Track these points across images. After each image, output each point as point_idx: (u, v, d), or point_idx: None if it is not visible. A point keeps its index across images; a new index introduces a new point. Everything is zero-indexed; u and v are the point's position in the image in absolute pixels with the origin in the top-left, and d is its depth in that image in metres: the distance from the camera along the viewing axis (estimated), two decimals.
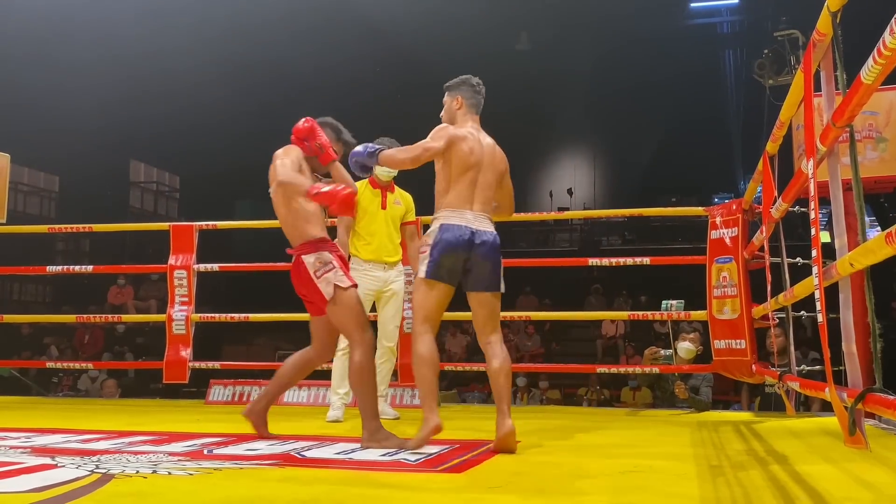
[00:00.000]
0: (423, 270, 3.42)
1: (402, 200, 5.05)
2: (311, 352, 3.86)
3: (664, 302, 5.70)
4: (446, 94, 3.71)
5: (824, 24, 2.34)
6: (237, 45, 14.06)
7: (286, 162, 3.60)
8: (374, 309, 5.00)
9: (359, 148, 3.58)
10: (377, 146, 3.60)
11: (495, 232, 3.55)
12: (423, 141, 3.53)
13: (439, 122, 3.66)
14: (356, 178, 3.80)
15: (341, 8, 14.08)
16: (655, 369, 5.60)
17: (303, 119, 3.72)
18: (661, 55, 17.10)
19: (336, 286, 3.56)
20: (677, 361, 5.59)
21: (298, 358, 3.87)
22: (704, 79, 18.11)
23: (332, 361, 4.83)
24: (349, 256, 4.80)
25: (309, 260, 3.62)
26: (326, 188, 3.50)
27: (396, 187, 5.07)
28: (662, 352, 5.70)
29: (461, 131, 3.54)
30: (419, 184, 4.27)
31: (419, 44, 15.48)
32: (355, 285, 3.67)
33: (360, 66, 15.66)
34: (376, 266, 4.91)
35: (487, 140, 3.65)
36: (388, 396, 5.11)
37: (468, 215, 3.47)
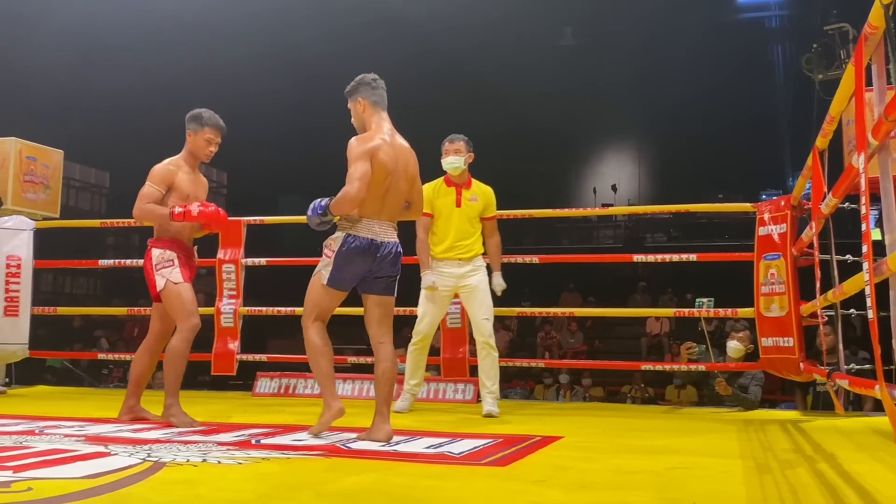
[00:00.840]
0: (324, 276, 3.51)
1: (479, 196, 4.96)
2: (150, 339, 4.26)
3: (697, 300, 5.66)
4: (348, 101, 3.67)
5: (876, 17, 2.31)
6: (280, 42, 14.19)
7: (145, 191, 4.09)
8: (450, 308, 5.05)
9: (308, 213, 3.58)
10: (322, 201, 3.54)
11: (397, 241, 3.61)
12: (352, 170, 3.46)
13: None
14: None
15: (381, 7, 14.13)
16: (702, 367, 5.55)
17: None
18: (708, 50, 16.91)
19: (168, 281, 4.02)
20: (726, 360, 5.53)
21: (144, 349, 4.28)
22: (753, 74, 17.87)
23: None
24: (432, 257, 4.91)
25: (154, 253, 4.08)
26: (179, 209, 3.98)
27: (475, 182, 5.00)
28: (697, 347, 5.65)
29: (375, 142, 3.50)
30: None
31: (461, 42, 15.49)
32: (189, 281, 4.08)
33: (404, 66, 15.73)
34: (450, 263, 4.87)
35: (400, 142, 3.63)
36: (495, 395, 4.85)
37: (375, 227, 3.51)
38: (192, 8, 13.77)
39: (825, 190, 3.62)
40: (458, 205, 4.89)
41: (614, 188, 18.73)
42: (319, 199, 3.54)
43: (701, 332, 5.54)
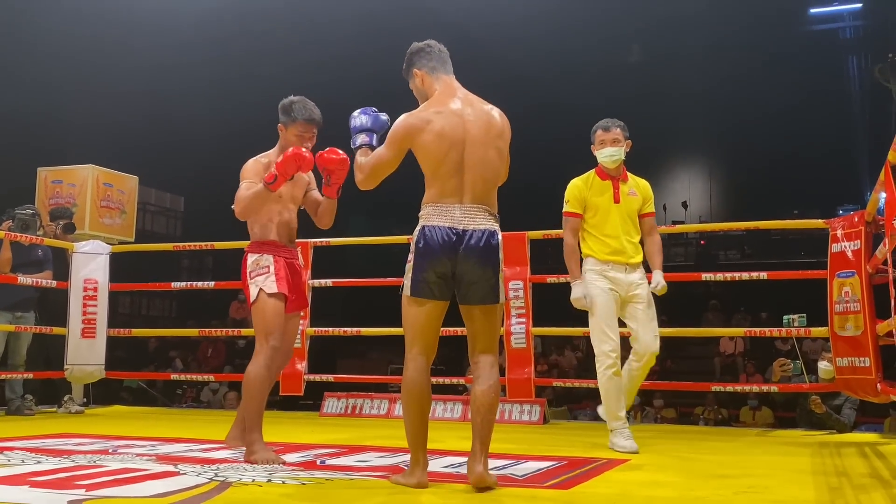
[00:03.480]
0: (406, 285, 2.85)
1: (637, 190, 4.29)
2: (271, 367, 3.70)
3: (785, 317, 5.51)
4: (409, 82, 3.12)
5: None
6: (344, 58, 14.39)
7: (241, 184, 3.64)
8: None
9: (360, 122, 3.13)
10: (363, 140, 3.09)
11: (495, 228, 2.88)
12: (376, 153, 2.99)
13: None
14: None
15: (454, 25, 14.23)
16: (774, 388, 5.42)
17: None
18: (780, 63, 16.60)
19: (261, 291, 3.57)
20: (817, 380, 5.37)
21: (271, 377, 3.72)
22: (827, 86, 17.45)
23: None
24: (582, 258, 4.26)
25: (249, 260, 3.68)
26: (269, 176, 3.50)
27: (630, 175, 4.33)
28: (791, 364, 5.51)
29: (426, 113, 2.90)
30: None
31: (528, 58, 15.51)
32: (285, 294, 3.60)
33: (471, 85, 15.82)
34: (617, 267, 4.17)
35: (477, 106, 2.96)
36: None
37: (455, 212, 2.82)
38: (264, 41, 14.11)
39: None
40: (617, 200, 4.22)
41: (685, 205, 18.46)
42: (365, 137, 3.10)
43: (791, 349, 5.41)
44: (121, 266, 6.95)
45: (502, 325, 5.47)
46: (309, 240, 6.46)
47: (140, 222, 13.13)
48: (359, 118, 3.16)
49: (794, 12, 17.51)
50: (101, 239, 6.71)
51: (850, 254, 4.97)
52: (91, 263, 6.46)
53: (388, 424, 5.55)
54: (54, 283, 6.25)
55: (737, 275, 5.83)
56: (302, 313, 3.91)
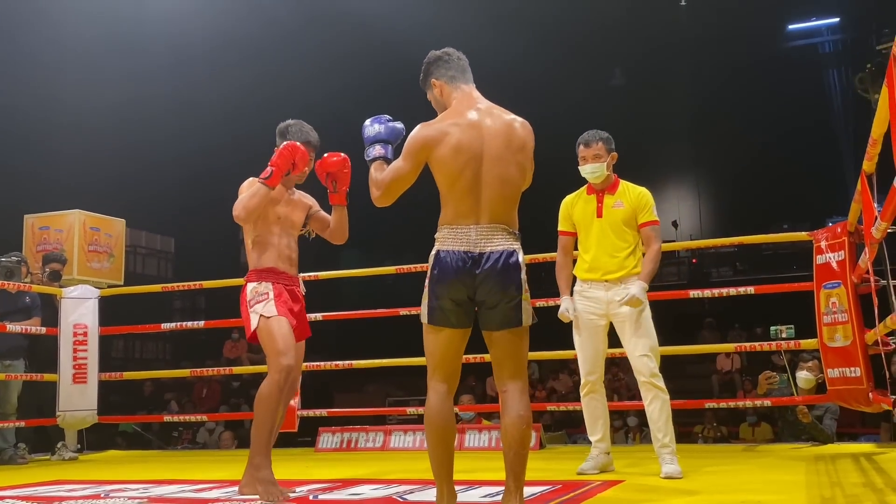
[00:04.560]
0: (423, 312, 2.71)
1: (625, 201, 4.10)
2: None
3: (772, 328, 5.52)
4: (427, 94, 2.96)
5: None
6: (338, 97, 14.47)
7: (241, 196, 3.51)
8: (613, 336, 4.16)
9: (374, 131, 2.91)
10: (378, 153, 2.87)
11: (514, 247, 2.69)
12: (392, 166, 2.79)
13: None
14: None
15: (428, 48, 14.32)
16: (767, 402, 5.42)
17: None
18: (762, 80, 16.75)
19: (261, 317, 3.46)
20: (798, 392, 5.39)
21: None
22: (811, 100, 17.60)
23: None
24: (575, 280, 4.16)
25: (248, 289, 3.55)
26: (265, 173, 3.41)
27: (623, 184, 4.17)
28: (778, 376, 5.52)
29: (443, 125, 2.73)
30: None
31: (511, 82, 15.59)
32: (288, 315, 3.49)
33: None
34: (596, 286, 4.05)
35: (498, 118, 2.78)
36: (671, 449, 3.96)
37: (471, 234, 2.66)
38: (259, 76, 14.18)
39: (875, 214, 3.54)
40: (599, 214, 4.08)
41: (675, 224, 18.51)
42: (380, 146, 2.88)
43: (787, 362, 5.43)
44: (113, 310, 6.93)
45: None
46: (300, 273, 6.45)
47: (130, 265, 13.19)
48: (371, 127, 2.94)
49: (773, 29, 17.69)
50: (89, 283, 6.71)
51: (834, 264, 5.00)
52: (80, 308, 6.45)
53: (384, 457, 5.53)
54: (43, 330, 6.23)
55: (724, 290, 5.85)
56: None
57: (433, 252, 2.70)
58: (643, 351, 3.99)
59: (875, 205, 3.65)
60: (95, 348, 6.47)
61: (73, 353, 6.37)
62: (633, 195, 4.13)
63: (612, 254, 4.05)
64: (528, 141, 2.80)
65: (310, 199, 3.79)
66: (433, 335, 2.69)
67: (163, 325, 7.51)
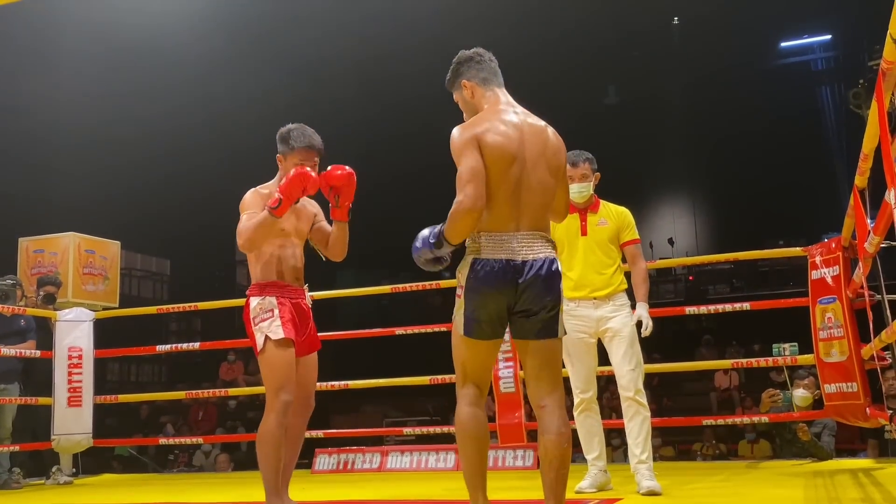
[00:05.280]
0: (458, 323, 2.61)
1: (608, 219, 4.15)
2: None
3: (775, 346, 5.52)
4: (454, 95, 2.85)
5: (890, 51, 2.28)
6: (337, 118, 14.52)
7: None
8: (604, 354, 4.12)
9: (415, 246, 2.71)
10: (434, 229, 2.67)
11: (554, 255, 2.61)
12: (459, 171, 2.58)
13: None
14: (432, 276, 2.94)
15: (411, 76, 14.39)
16: (765, 419, 5.42)
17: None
18: (756, 97, 16.83)
19: (267, 338, 3.27)
20: (796, 410, 5.39)
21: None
22: (804, 117, 17.69)
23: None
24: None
25: (252, 304, 3.37)
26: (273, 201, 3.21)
27: (604, 203, 4.23)
28: (782, 394, 5.52)
29: (481, 127, 2.61)
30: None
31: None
32: (293, 339, 3.29)
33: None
34: (583, 304, 4.04)
35: (533, 122, 2.69)
36: (649, 465, 3.92)
37: (512, 243, 2.54)
38: (248, 96, 14.20)
39: (868, 229, 3.54)
40: (584, 232, 4.11)
41: (671, 241, 18.53)
42: (430, 228, 2.68)
43: (785, 380, 5.44)
44: (108, 332, 6.90)
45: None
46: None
47: (126, 287, 13.13)
48: (424, 239, 2.71)
49: (766, 46, 17.80)
50: (84, 306, 6.68)
51: (829, 280, 5.00)
52: (75, 331, 6.42)
53: (382, 479, 5.50)
54: (38, 353, 6.21)
55: (720, 307, 5.85)
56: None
57: (467, 260, 2.58)
58: (631, 366, 3.99)
59: (868, 219, 3.65)
60: (90, 371, 6.44)
61: (68, 377, 6.33)
62: (615, 213, 4.19)
63: (599, 271, 4.07)
64: (560, 149, 2.72)
65: (314, 207, 3.60)
66: (468, 348, 2.59)
67: (158, 347, 7.49)
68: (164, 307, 7.77)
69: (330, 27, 13.90)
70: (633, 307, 4.13)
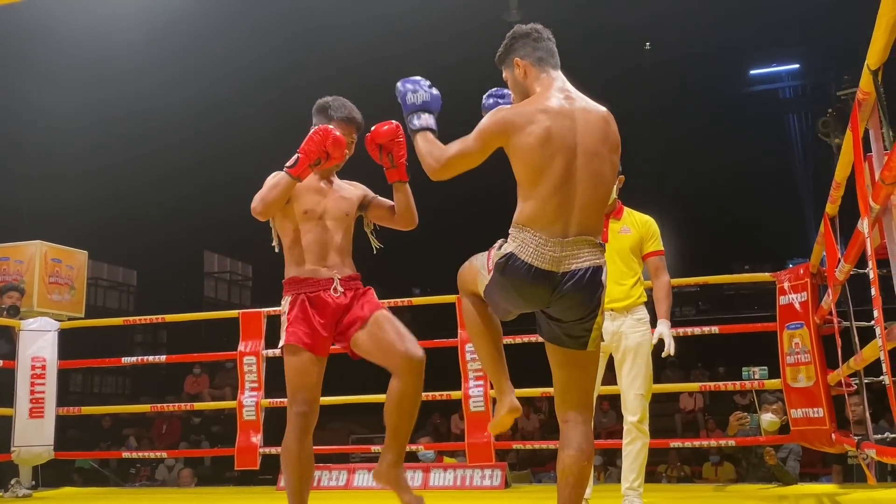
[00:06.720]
0: (480, 281, 2.49)
1: (632, 227, 3.95)
2: (393, 381, 3.04)
3: (745, 369, 5.57)
4: (503, 70, 2.63)
5: (866, 82, 2.33)
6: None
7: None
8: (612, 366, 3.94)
9: (418, 98, 2.60)
10: (426, 122, 2.57)
11: (601, 262, 2.39)
12: (461, 143, 2.47)
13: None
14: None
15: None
16: (732, 442, 5.46)
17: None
18: (724, 123, 17.05)
19: (282, 343, 3.07)
20: (762, 433, 5.43)
21: (390, 395, 3.05)
22: (772, 144, 17.95)
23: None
24: None
25: (282, 303, 3.14)
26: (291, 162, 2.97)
27: (628, 210, 4.03)
28: (749, 417, 5.57)
29: (528, 110, 2.41)
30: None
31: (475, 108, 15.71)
32: (307, 344, 3.01)
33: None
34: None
35: (591, 108, 2.49)
36: (639, 493, 3.80)
37: (556, 249, 2.34)
38: (220, 103, 14.10)
39: (839, 256, 3.59)
40: (605, 239, 3.78)
41: None
42: (425, 116, 2.57)
43: (750, 403, 5.48)
44: (73, 343, 6.81)
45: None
46: (262, 309, 6.40)
47: (92, 298, 12.95)
48: (414, 94, 2.62)
49: (736, 74, 18.06)
50: (49, 315, 6.59)
51: (797, 305, 5.06)
52: (39, 341, 6.32)
53: (348, 496, 5.45)
54: (0, 363, 6.10)
55: (689, 329, 5.88)
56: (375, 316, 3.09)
57: (506, 249, 2.40)
58: (640, 391, 3.83)
59: (837, 247, 3.71)
60: (54, 382, 6.33)
61: (31, 387, 6.21)
62: (640, 222, 4.00)
63: (619, 281, 3.82)
64: (618, 140, 2.57)
65: (359, 188, 3.27)
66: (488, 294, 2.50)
67: (123, 359, 7.41)
68: (131, 319, 7.68)
69: (314, 42, 13.88)
70: (653, 324, 3.94)
